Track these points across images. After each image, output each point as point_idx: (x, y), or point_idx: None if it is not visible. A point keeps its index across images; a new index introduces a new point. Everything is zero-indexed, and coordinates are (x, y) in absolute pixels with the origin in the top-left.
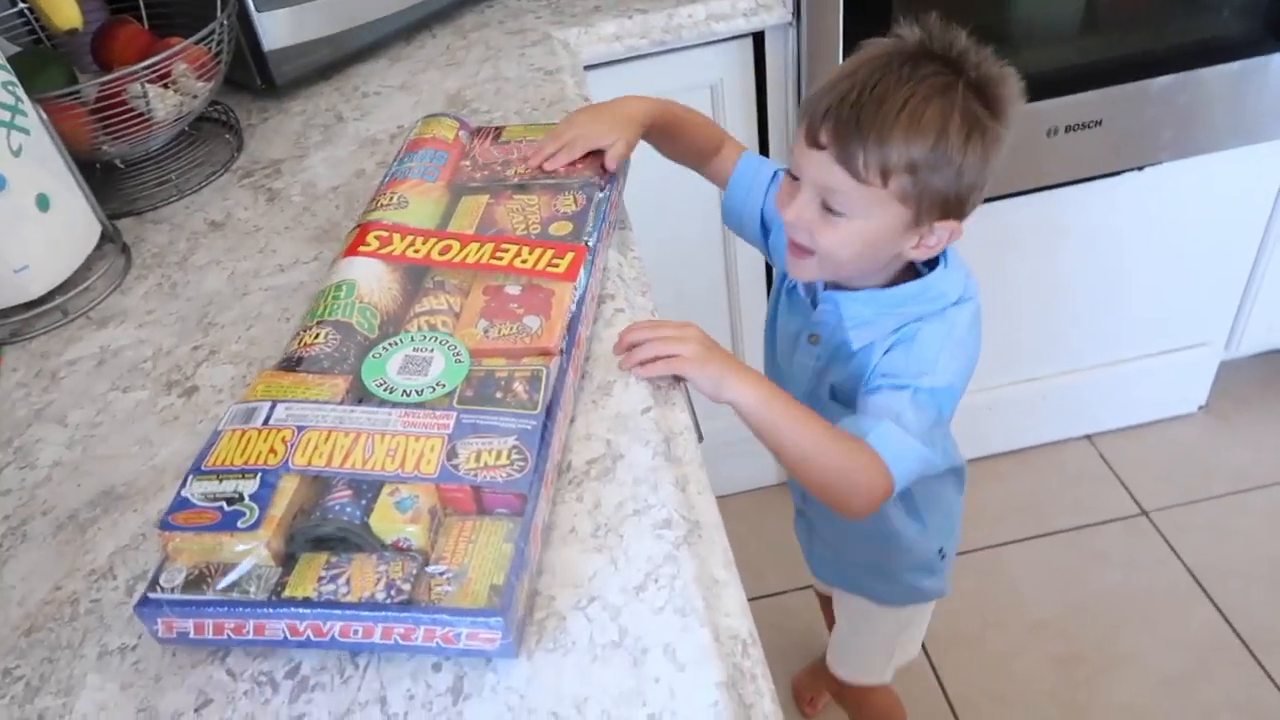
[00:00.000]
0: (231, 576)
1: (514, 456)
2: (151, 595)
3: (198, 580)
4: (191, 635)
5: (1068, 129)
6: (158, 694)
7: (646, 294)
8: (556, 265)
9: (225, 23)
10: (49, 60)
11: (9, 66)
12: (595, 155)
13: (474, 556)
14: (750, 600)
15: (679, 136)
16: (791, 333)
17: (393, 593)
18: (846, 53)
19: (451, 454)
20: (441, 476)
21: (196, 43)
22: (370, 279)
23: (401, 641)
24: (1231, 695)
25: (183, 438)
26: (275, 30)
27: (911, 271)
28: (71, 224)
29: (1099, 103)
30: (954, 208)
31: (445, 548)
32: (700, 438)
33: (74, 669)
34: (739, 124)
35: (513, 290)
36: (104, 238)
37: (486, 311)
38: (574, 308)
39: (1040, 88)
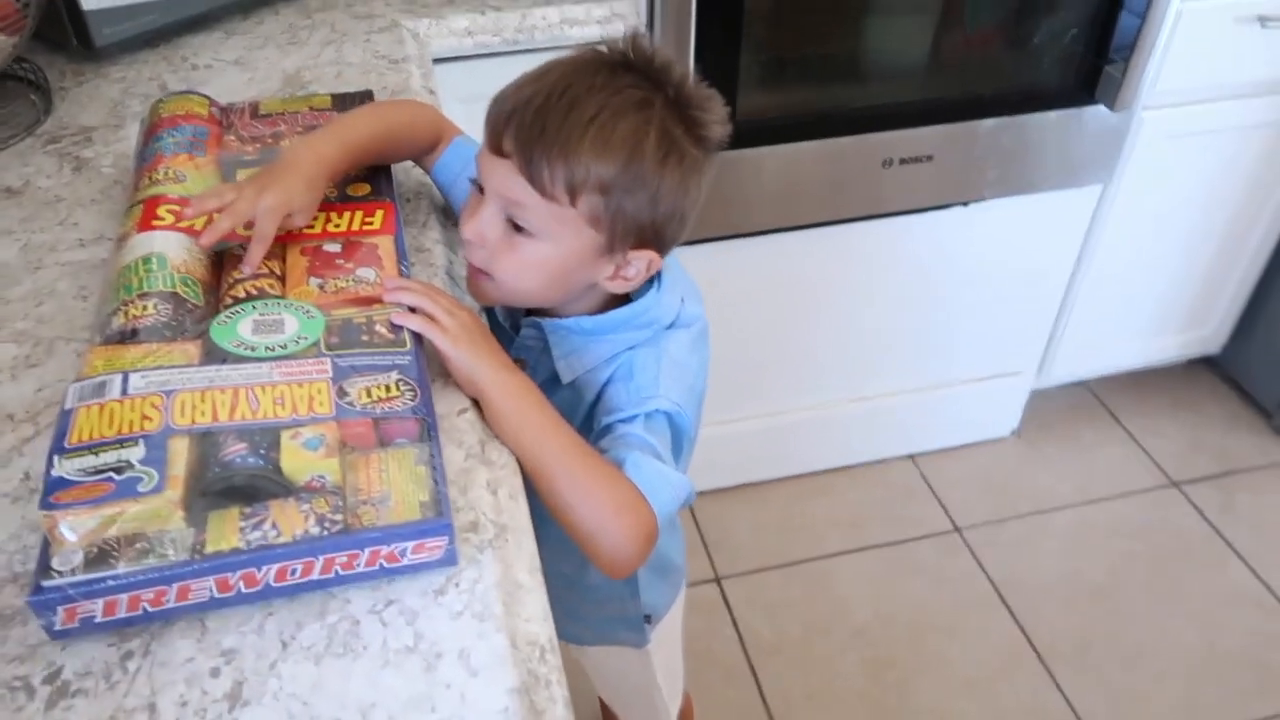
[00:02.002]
0: (143, 544)
1: (402, 388)
2: (47, 583)
3: (101, 557)
4: (99, 619)
5: (902, 161)
6: None
7: None
8: (370, 222)
9: None
10: None
11: None
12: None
13: (391, 483)
14: None
15: (388, 153)
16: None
17: (326, 525)
18: (697, 68)
19: (341, 393)
20: (340, 414)
21: None
22: (179, 250)
23: (342, 572)
24: (1023, 699)
25: None
26: None
27: (623, 297)
28: None
29: (932, 139)
30: (650, 236)
31: (359, 481)
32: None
33: None
34: None
35: (332, 248)
36: None
37: (314, 270)
38: (400, 257)
39: (880, 120)
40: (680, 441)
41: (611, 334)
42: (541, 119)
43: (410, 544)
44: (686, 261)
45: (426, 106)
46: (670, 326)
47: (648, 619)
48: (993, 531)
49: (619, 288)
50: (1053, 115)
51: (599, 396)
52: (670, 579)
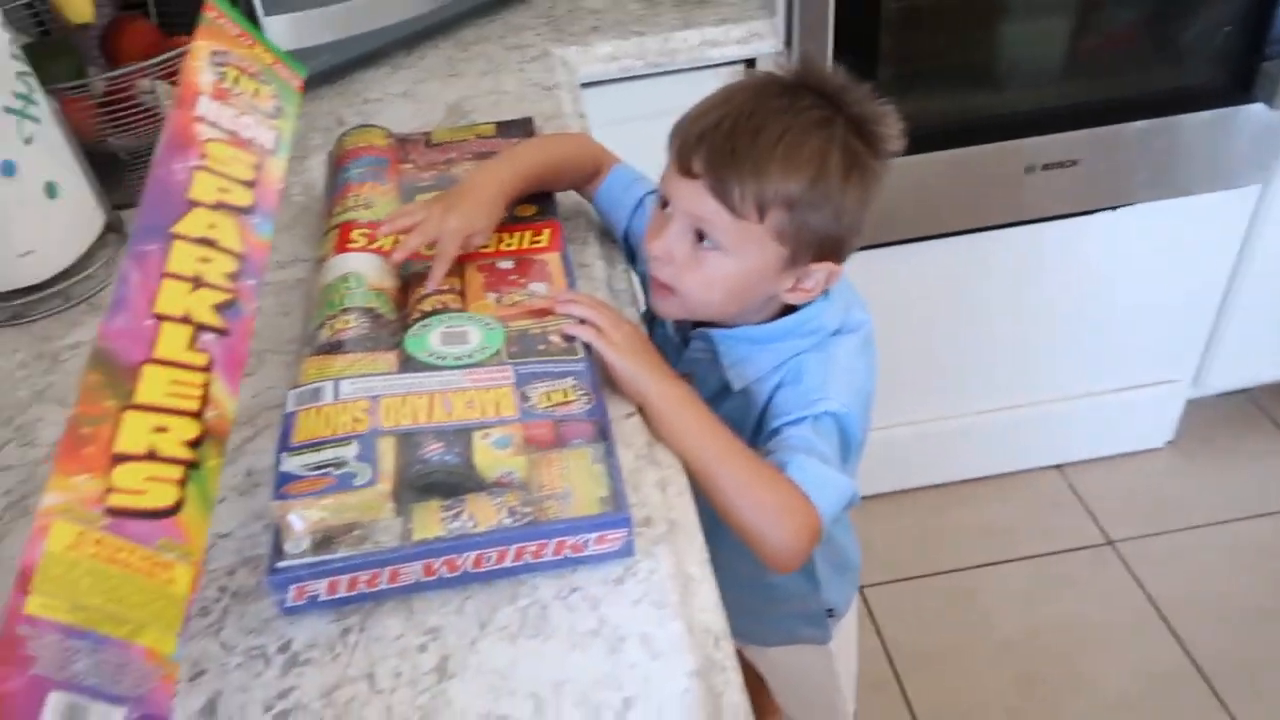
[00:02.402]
0: (360, 531)
1: (578, 393)
2: (281, 565)
3: (324, 543)
4: (322, 597)
5: (1045, 167)
6: None
7: (635, 305)
8: (539, 240)
9: None
10: (61, 51)
11: (24, 56)
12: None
13: (571, 480)
14: None
15: (554, 181)
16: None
17: (517, 517)
18: None
19: (524, 398)
20: (524, 416)
21: None
22: (372, 270)
23: (531, 560)
24: None
25: None
26: (281, 34)
27: (789, 306)
28: (77, 212)
29: (1077, 143)
30: (832, 249)
31: (543, 477)
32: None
33: None
34: None
35: (505, 265)
36: (108, 227)
37: (490, 285)
38: (567, 272)
39: (1021, 126)
40: (849, 443)
41: (779, 341)
42: (731, 141)
43: (593, 535)
44: None
45: (587, 139)
46: (836, 333)
47: (830, 613)
48: (1147, 545)
49: (798, 299)
50: (1206, 115)
51: (768, 403)
52: (848, 576)
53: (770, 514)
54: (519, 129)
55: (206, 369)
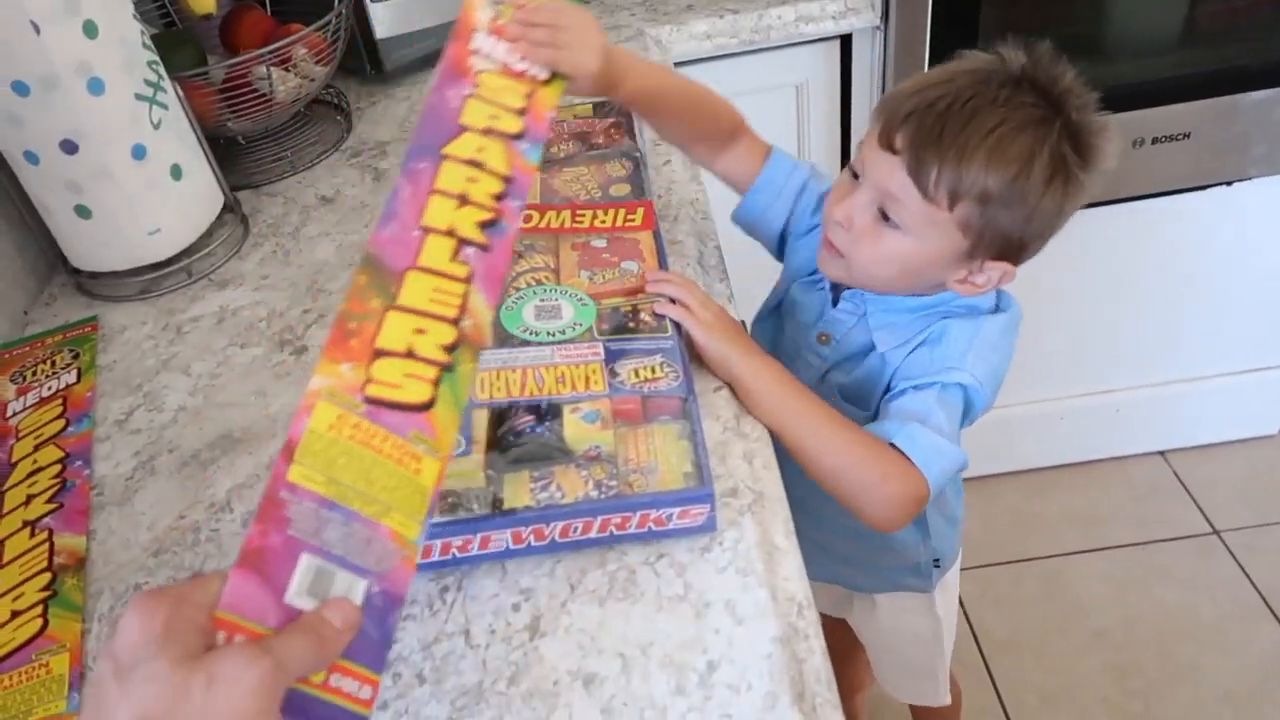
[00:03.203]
0: (453, 499)
1: (665, 370)
2: None
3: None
4: (419, 560)
5: (1155, 140)
6: None
7: (724, 281)
8: (633, 219)
9: (343, 12)
10: (184, 41)
11: (152, 46)
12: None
13: (657, 455)
14: None
15: (680, 111)
16: (802, 326)
17: (603, 490)
18: (934, 58)
19: (613, 374)
20: (613, 391)
21: (316, 30)
22: None
23: (616, 532)
24: None
25: (294, 391)
26: (386, 20)
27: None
28: (199, 193)
29: (1189, 115)
30: (1013, 250)
31: (629, 451)
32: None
33: None
34: (822, 125)
35: (599, 244)
36: (226, 208)
37: (584, 263)
38: (659, 251)
39: (1129, 99)
40: (970, 418)
41: (928, 310)
42: (941, 122)
43: (676, 510)
44: None
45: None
46: (989, 308)
47: (936, 564)
48: (1257, 536)
49: (965, 291)
50: None
51: (904, 361)
52: (956, 527)
53: (873, 480)
54: (615, 109)
55: (467, 280)
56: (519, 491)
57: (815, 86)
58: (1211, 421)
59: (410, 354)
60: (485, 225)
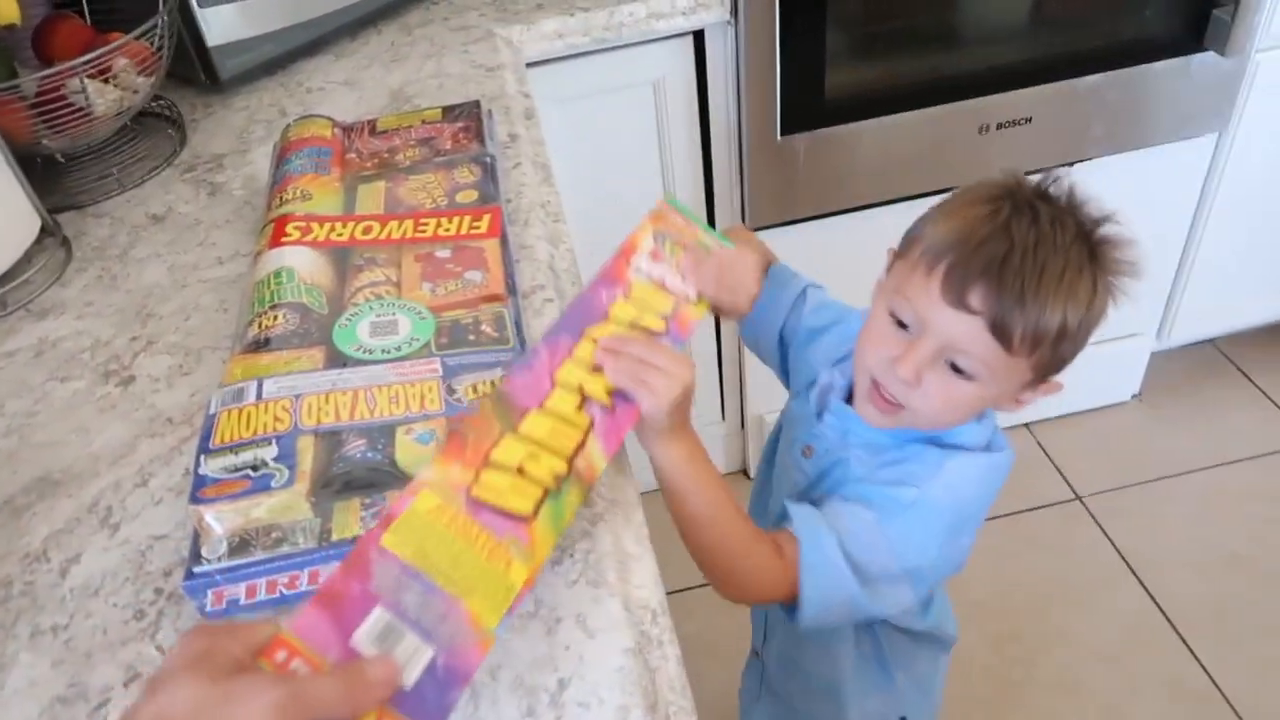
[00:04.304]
0: (278, 533)
1: None
2: (197, 569)
3: (242, 547)
4: (242, 601)
5: (999, 126)
6: (88, 670)
7: (576, 286)
8: (478, 227)
9: (166, 18)
10: None
11: None
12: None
13: None
14: (688, 590)
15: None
16: (791, 440)
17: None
18: (784, 52)
19: (450, 390)
20: (448, 410)
21: (137, 38)
22: (305, 264)
23: None
24: (1158, 672)
25: (120, 425)
26: (219, 26)
27: None
28: (10, 217)
29: (1030, 100)
30: (1062, 368)
31: None
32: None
33: (5, 648)
34: (681, 121)
35: (443, 254)
36: (44, 231)
37: (426, 275)
38: (506, 259)
39: (972, 86)
40: (917, 551)
41: (910, 441)
42: (1020, 279)
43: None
44: (783, 243)
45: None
46: (979, 447)
47: None
48: (1117, 499)
49: (1013, 410)
50: (1159, 66)
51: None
52: (931, 700)
53: (735, 577)
54: (466, 112)
55: (587, 430)
56: (349, 520)
57: (672, 83)
58: (1071, 392)
59: (520, 471)
60: (614, 393)
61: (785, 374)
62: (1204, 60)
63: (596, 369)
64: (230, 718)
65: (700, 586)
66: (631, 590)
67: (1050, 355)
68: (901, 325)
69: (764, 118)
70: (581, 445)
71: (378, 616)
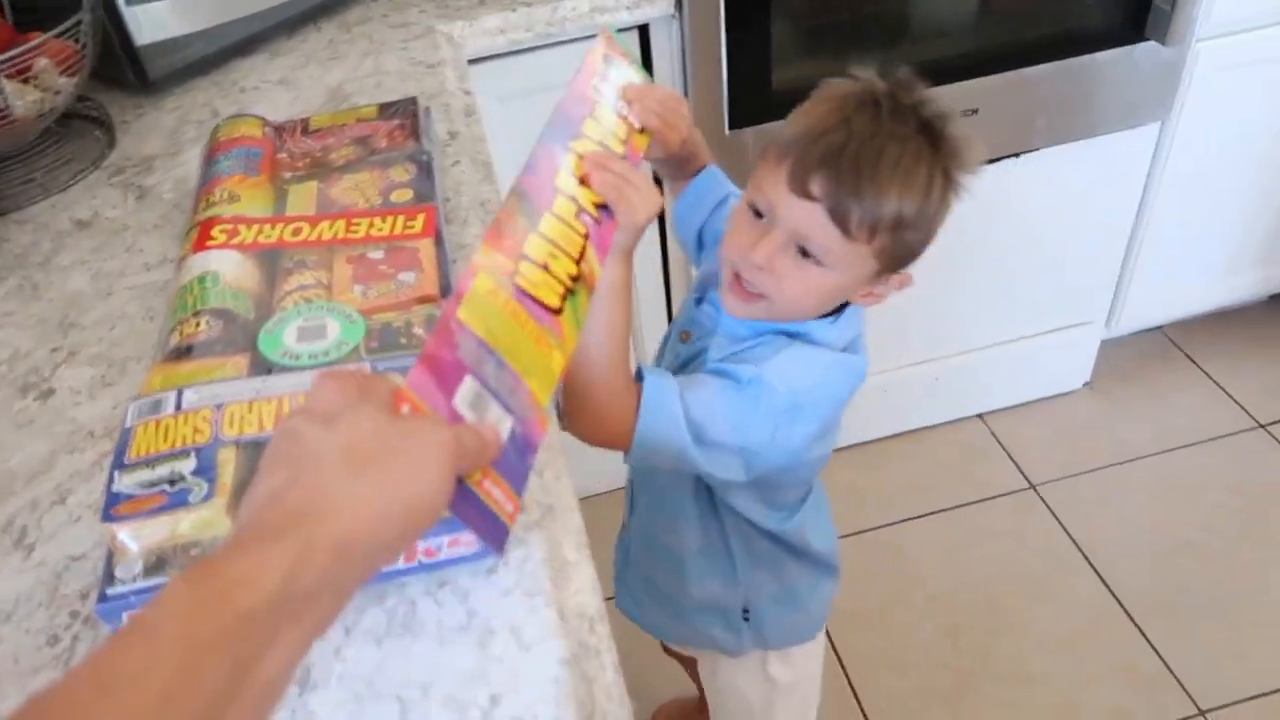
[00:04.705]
0: (197, 550)
1: None
2: (111, 591)
3: (158, 565)
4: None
5: None
6: None
7: None
8: (412, 226)
9: (89, 16)
10: None
11: None
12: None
13: None
14: (608, 600)
15: (689, 161)
16: (675, 328)
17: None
18: (730, 45)
19: None
20: None
21: (58, 36)
22: (231, 268)
23: (386, 569)
24: (1114, 658)
25: (39, 441)
26: (147, 24)
27: None
28: None
29: (974, 92)
30: (911, 260)
31: None
32: (561, 422)
33: None
34: None
35: (376, 255)
36: None
37: (358, 277)
38: (441, 259)
39: (921, 77)
40: (758, 427)
41: (768, 333)
42: (855, 166)
43: (445, 539)
44: None
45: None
46: (833, 343)
47: (745, 615)
48: (1070, 487)
49: (868, 303)
50: (1102, 56)
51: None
52: (798, 604)
53: (591, 402)
54: (402, 110)
55: (585, 236)
56: None
57: None
58: (1024, 382)
59: (546, 268)
60: (599, 205)
61: (697, 261)
62: (1146, 50)
63: (582, 181)
64: (411, 449)
65: None
66: (568, 598)
67: (892, 243)
68: (759, 216)
69: (712, 112)
70: (584, 251)
71: (469, 384)
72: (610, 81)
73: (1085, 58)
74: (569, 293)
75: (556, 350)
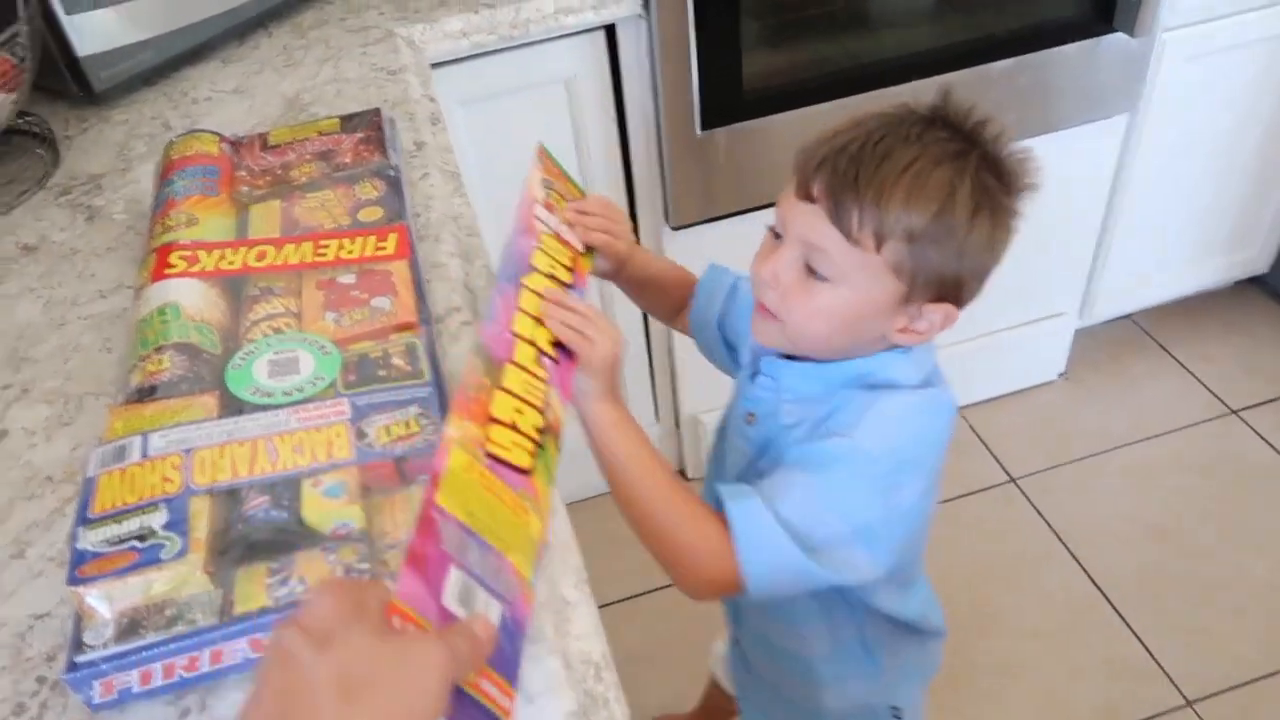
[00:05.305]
0: (172, 610)
1: (423, 423)
2: (80, 659)
3: (131, 628)
4: (136, 689)
5: None
6: None
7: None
8: (384, 247)
9: (27, 26)
10: None
11: None
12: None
13: None
14: (632, 599)
15: (661, 289)
16: (736, 414)
17: (354, 574)
18: (700, 43)
19: (360, 435)
20: (360, 457)
21: None
22: (193, 298)
23: None
24: (1096, 647)
25: None
26: (89, 33)
27: None
28: None
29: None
30: (951, 290)
31: (385, 524)
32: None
33: None
34: (597, 120)
35: (347, 280)
36: None
37: (329, 304)
38: (416, 282)
39: (890, 74)
40: (864, 505)
41: (841, 384)
42: (855, 166)
43: None
44: (699, 241)
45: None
46: (912, 385)
47: (897, 715)
48: (1049, 478)
49: (908, 341)
50: (1069, 49)
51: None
52: (919, 677)
53: (680, 554)
54: (365, 121)
55: (547, 381)
56: (254, 591)
57: (585, 81)
58: (1000, 375)
59: (515, 427)
60: (555, 344)
61: (736, 366)
62: (1113, 41)
63: (539, 322)
64: (407, 678)
65: (633, 597)
66: (571, 644)
67: (910, 260)
68: (778, 237)
69: (683, 112)
70: (546, 397)
71: (455, 577)
72: (555, 211)
73: (1054, 50)
74: (538, 447)
75: (533, 515)
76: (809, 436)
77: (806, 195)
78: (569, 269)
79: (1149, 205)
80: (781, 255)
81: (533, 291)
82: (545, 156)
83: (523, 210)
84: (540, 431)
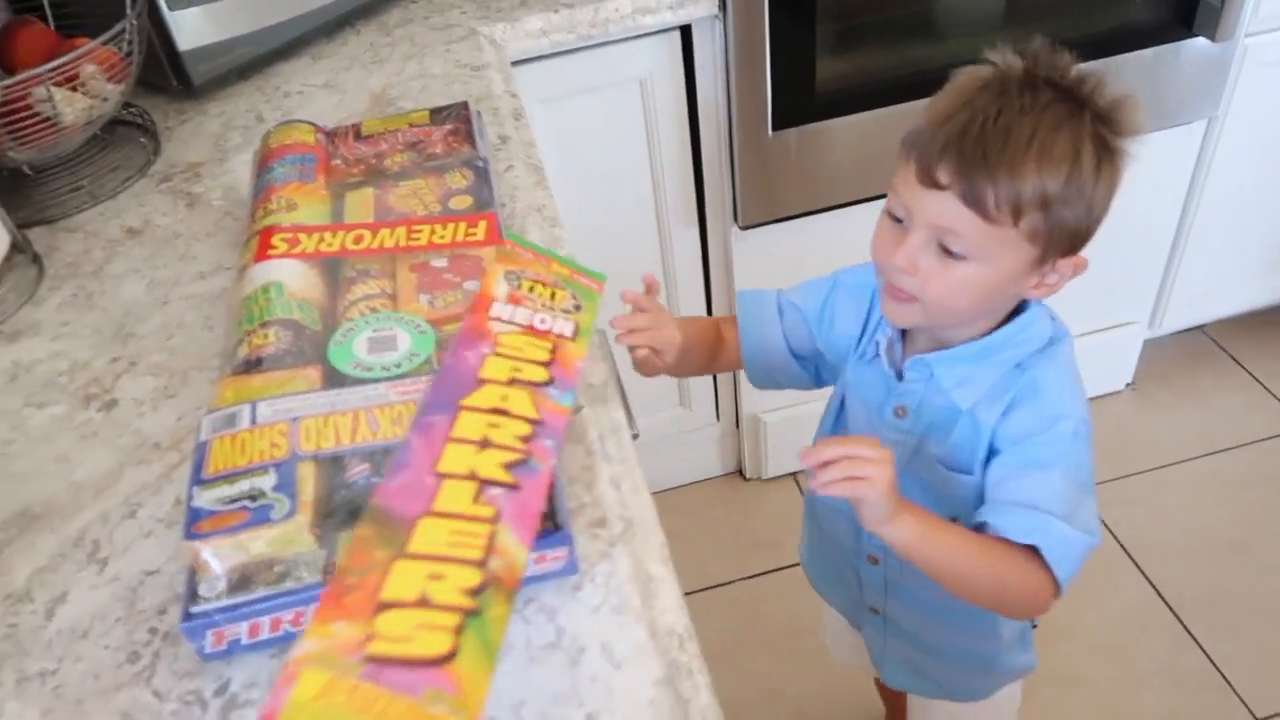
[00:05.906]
0: (280, 568)
1: None
2: (195, 609)
3: (241, 583)
4: (244, 640)
5: None
6: (80, 718)
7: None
8: (474, 233)
9: (135, 22)
10: None
11: None
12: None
13: None
14: (694, 593)
15: (691, 353)
16: (872, 405)
17: None
18: (774, 45)
19: None
20: None
21: (104, 43)
22: (295, 278)
23: None
24: (1161, 660)
25: (103, 452)
26: (190, 29)
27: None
28: None
29: None
30: (1080, 242)
31: None
32: (635, 435)
33: None
34: (669, 118)
35: (439, 264)
36: (14, 248)
37: (423, 286)
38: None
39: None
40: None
41: (997, 354)
42: (980, 146)
43: (531, 556)
44: (766, 241)
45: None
46: (1051, 341)
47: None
48: (1114, 489)
49: (1042, 294)
50: (1148, 53)
51: (1002, 422)
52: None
53: (1016, 604)
54: (453, 114)
55: (492, 520)
56: None
57: (659, 80)
58: None
59: (423, 602)
60: (512, 465)
61: (817, 378)
62: (1194, 46)
63: (484, 445)
64: None
65: (699, 591)
66: (657, 615)
67: (1046, 224)
68: (898, 221)
69: (755, 113)
70: (490, 542)
71: None
72: (526, 303)
73: (1132, 55)
74: (469, 615)
75: (452, 717)
76: (1013, 405)
77: (932, 182)
78: (545, 364)
79: (1225, 215)
80: (912, 241)
81: (480, 411)
82: (513, 246)
83: (468, 320)
84: (473, 593)
